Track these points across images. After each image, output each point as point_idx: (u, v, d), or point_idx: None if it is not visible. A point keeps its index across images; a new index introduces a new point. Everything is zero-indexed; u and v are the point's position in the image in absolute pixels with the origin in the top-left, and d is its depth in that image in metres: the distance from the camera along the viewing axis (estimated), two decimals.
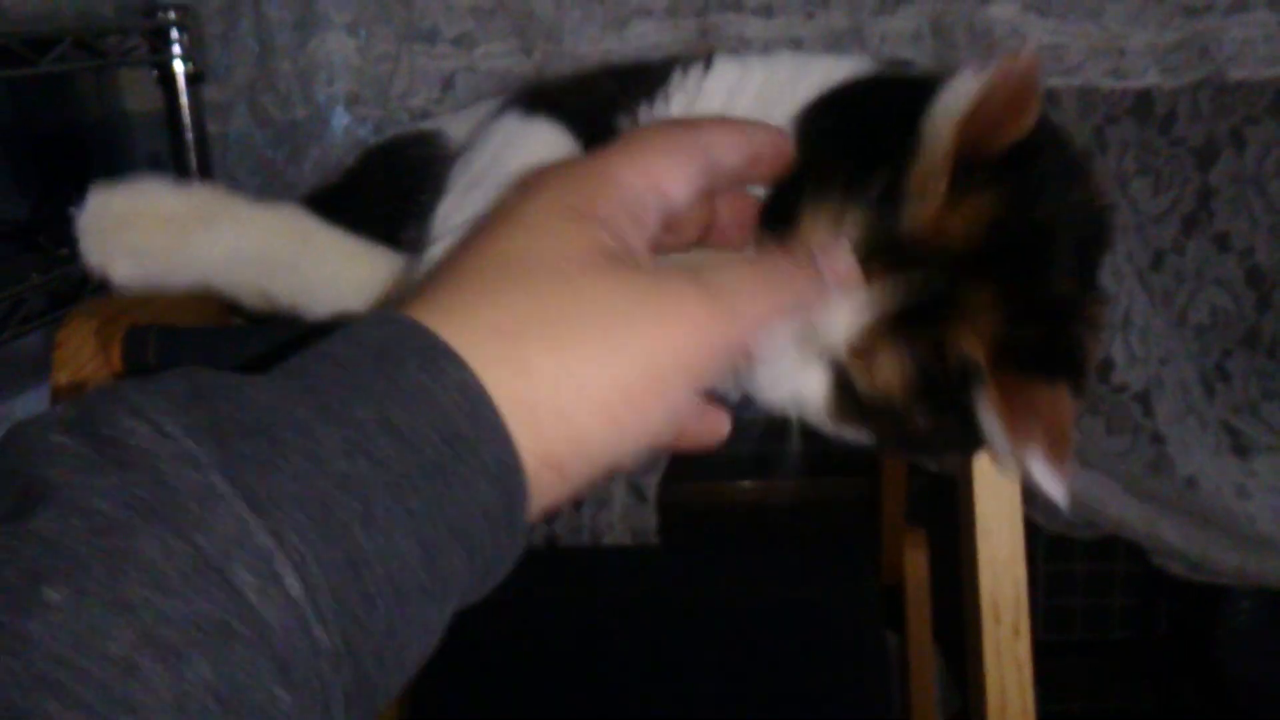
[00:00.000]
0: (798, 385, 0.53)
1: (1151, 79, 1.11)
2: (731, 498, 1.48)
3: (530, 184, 0.38)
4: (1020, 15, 1.08)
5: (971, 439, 0.51)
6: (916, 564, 1.23)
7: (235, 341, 0.70)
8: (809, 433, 0.55)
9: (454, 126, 0.87)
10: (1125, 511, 1.25)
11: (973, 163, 0.47)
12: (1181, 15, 1.10)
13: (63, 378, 0.67)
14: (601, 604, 1.26)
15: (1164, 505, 1.23)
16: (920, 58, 1.13)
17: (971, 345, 0.49)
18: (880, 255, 0.49)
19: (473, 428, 0.31)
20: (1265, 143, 1.18)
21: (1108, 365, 1.16)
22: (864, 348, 0.50)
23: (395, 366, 0.31)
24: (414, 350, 0.32)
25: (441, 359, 0.32)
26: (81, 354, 0.68)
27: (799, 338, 0.51)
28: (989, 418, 0.48)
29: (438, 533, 0.30)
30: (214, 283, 0.71)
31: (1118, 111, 1.20)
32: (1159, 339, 1.20)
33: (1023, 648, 0.61)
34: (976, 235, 0.49)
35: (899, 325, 0.49)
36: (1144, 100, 1.19)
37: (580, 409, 0.33)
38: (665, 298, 0.36)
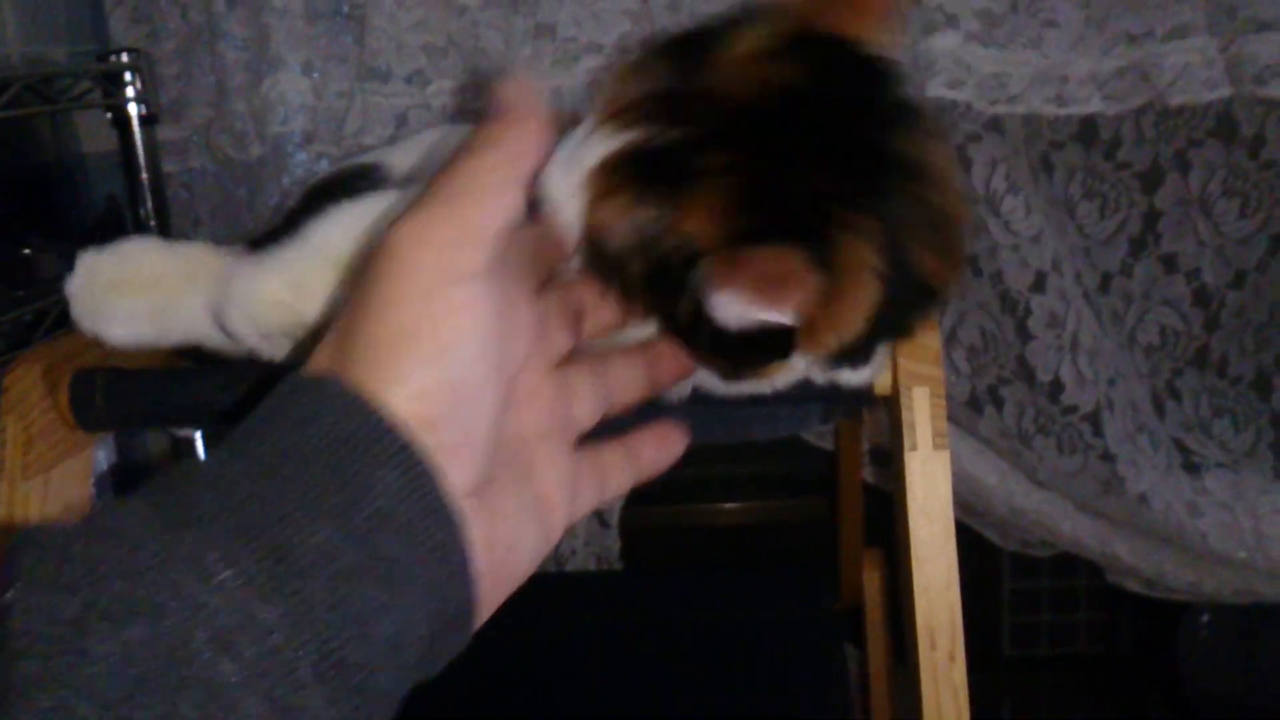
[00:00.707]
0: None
1: (1094, 106, 1.13)
2: (693, 520, 1.50)
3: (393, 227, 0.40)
4: (962, 45, 1.10)
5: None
6: (874, 583, 1.25)
7: (184, 384, 0.71)
8: (768, 455, 0.57)
9: (393, 157, 0.88)
10: (1079, 530, 1.26)
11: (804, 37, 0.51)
12: (1123, 42, 1.13)
13: (11, 421, 0.68)
14: (566, 629, 1.27)
15: (1117, 524, 1.25)
16: None
17: (696, 225, 0.48)
18: (660, 100, 0.50)
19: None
20: (1209, 165, 1.20)
21: (1057, 386, 1.18)
22: (602, 186, 0.50)
23: (364, 468, 0.35)
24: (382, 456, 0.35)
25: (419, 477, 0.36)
26: (30, 398, 0.69)
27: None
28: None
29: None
30: (205, 343, 0.70)
31: (1063, 137, 1.22)
32: (1108, 360, 1.22)
33: (958, 674, 0.62)
34: (756, 101, 0.49)
35: (640, 176, 0.49)
36: (1089, 126, 1.21)
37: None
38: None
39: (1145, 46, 1.12)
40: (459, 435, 0.37)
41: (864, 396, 0.67)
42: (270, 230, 0.90)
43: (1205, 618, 1.61)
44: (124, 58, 1.01)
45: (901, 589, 0.65)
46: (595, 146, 0.50)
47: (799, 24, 0.53)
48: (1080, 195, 1.24)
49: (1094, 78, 1.13)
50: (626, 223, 0.49)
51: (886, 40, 0.53)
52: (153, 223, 1.06)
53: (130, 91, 1.02)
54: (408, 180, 0.81)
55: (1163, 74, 1.11)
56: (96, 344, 0.75)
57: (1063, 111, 1.13)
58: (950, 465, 0.63)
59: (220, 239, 1.23)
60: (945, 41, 1.09)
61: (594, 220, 0.50)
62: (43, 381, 0.69)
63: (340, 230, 0.64)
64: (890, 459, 1.24)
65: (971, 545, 1.35)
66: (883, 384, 0.66)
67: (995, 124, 1.15)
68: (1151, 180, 1.23)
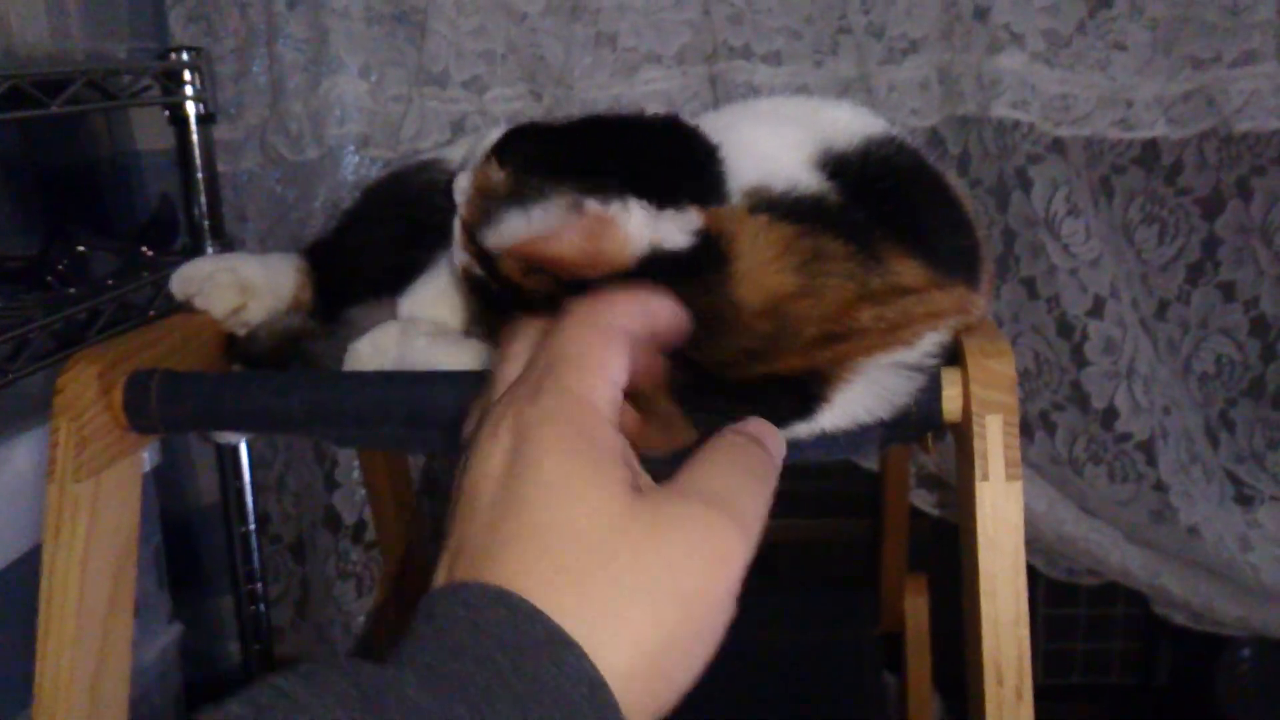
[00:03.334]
0: None
1: (1159, 130, 1.11)
2: None
3: (529, 435, 0.39)
4: (1028, 66, 1.08)
5: None
6: (917, 609, 1.23)
7: (238, 389, 0.70)
8: (811, 473, 0.57)
9: (454, 152, 0.87)
10: (1129, 561, 1.24)
11: None
12: (1189, 67, 1.11)
13: (63, 423, 0.68)
14: None
15: (1167, 554, 1.23)
16: (927, 108, 1.13)
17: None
18: None
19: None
20: (1271, 193, 1.18)
21: (1111, 414, 1.16)
22: None
23: (528, 661, 0.34)
24: (538, 642, 0.34)
25: (563, 650, 0.34)
26: (83, 399, 0.68)
27: None
28: None
29: None
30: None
31: (1124, 161, 1.20)
32: (1163, 388, 1.19)
33: (1025, 711, 0.61)
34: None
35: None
36: (1150, 150, 1.20)
37: (658, 674, 0.36)
38: (697, 534, 0.38)
39: (1212, 71, 1.10)
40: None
41: (932, 423, 0.66)
42: (333, 231, 0.90)
43: (1246, 652, 1.58)
44: (184, 56, 1.01)
45: (966, 622, 0.63)
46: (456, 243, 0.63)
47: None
48: (1139, 220, 1.22)
49: (1159, 101, 1.11)
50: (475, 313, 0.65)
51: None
52: (206, 222, 1.06)
53: (189, 90, 1.01)
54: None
55: (1229, 100, 1.09)
56: (151, 344, 0.74)
57: (1128, 135, 1.11)
58: (1022, 496, 0.61)
59: (266, 238, 1.24)
60: (1011, 61, 1.08)
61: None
62: (97, 382, 0.68)
63: None
64: (949, 485, 1.22)
65: None
66: (952, 410, 0.64)
67: (1058, 146, 1.13)
68: (1212, 206, 1.21)
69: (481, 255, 0.62)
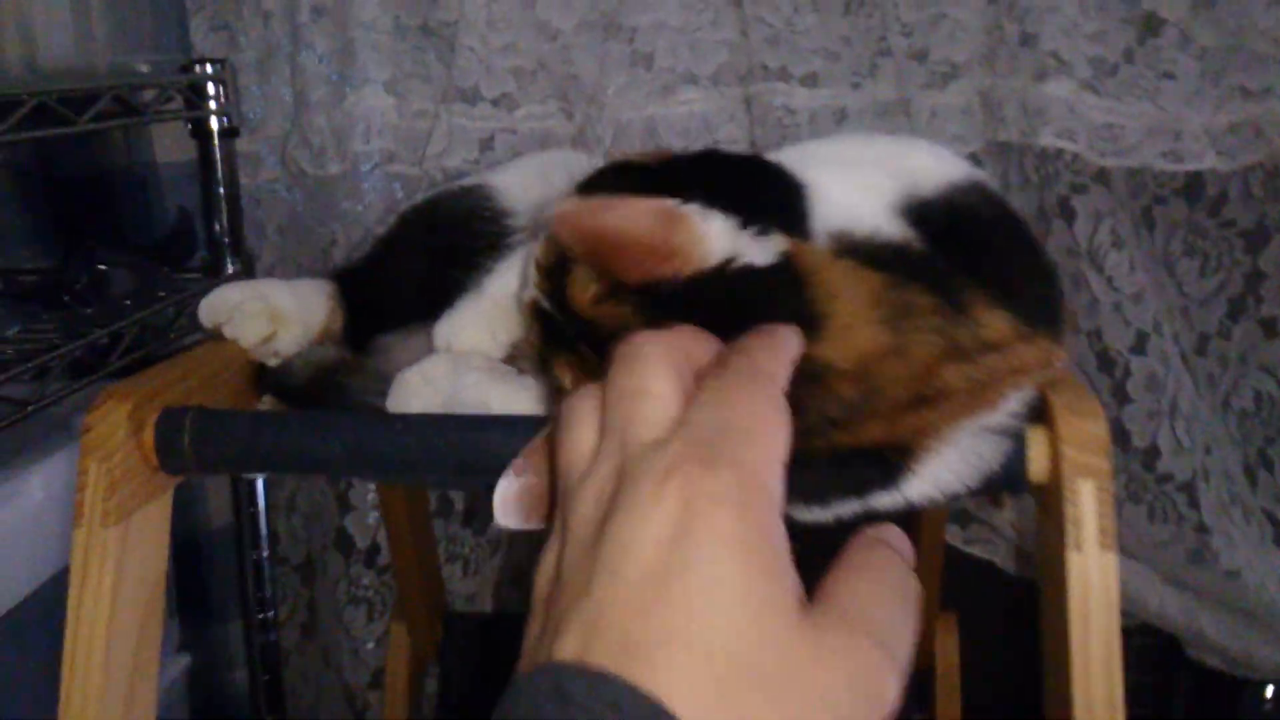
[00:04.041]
0: None
1: (1208, 162, 1.08)
2: None
3: (702, 512, 0.35)
4: (1076, 94, 1.05)
5: None
6: (948, 649, 1.20)
7: (276, 429, 0.66)
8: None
9: (499, 179, 0.84)
10: (1166, 604, 1.21)
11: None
12: (1238, 97, 1.08)
13: (92, 464, 0.64)
14: None
15: (1204, 597, 1.20)
16: (969, 133, 1.10)
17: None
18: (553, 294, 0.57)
19: None
20: None
21: (1153, 453, 1.13)
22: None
23: None
24: None
25: None
26: (113, 439, 0.64)
27: None
28: None
29: None
30: None
31: (1166, 192, 1.17)
32: (1204, 426, 1.17)
33: None
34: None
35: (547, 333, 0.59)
36: (1194, 181, 1.17)
37: None
38: (859, 670, 0.35)
39: (1263, 103, 1.08)
40: None
41: (1016, 487, 0.62)
42: (366, 257, 0.86)
43: (1270, 692, 1.55)
44: (209, 68, 0.97)
45: (1048, 700, 0.60)
46: (529, 279, 0.60)
47: (610, 277, 0.54)
48: (1181, 252, 1.19)
49: (1208, 132, 1.08)
50: (538, 353, 0.60)
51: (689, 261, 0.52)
52: (227, 239, 1.02)
53: (213, 104, 0.98)
54: (538, 210, 0.78)
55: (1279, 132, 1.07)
56: (181, 379, 0.71)
57: (1176, 167, 1.08)
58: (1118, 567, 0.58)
59: (289, 255, 1.20)
60: (1058, 89, 1.05)
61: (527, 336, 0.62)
62: (128, 422, 0.65)
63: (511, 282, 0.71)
64: (979, 519, 1.19)
65: (1019, 597, 1.29)
66: (1038, 472, 0.61)
67: (1102, 176, 1.10)
68: (1256, 240, 1.18)
69: (553, 289, 0.58)
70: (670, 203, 0.53)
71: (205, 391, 0.72)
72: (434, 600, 1.30)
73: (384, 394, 0.74)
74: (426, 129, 1.10)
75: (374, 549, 1.28)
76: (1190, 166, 1.08)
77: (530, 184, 0.82)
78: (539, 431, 0.62)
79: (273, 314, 0.79)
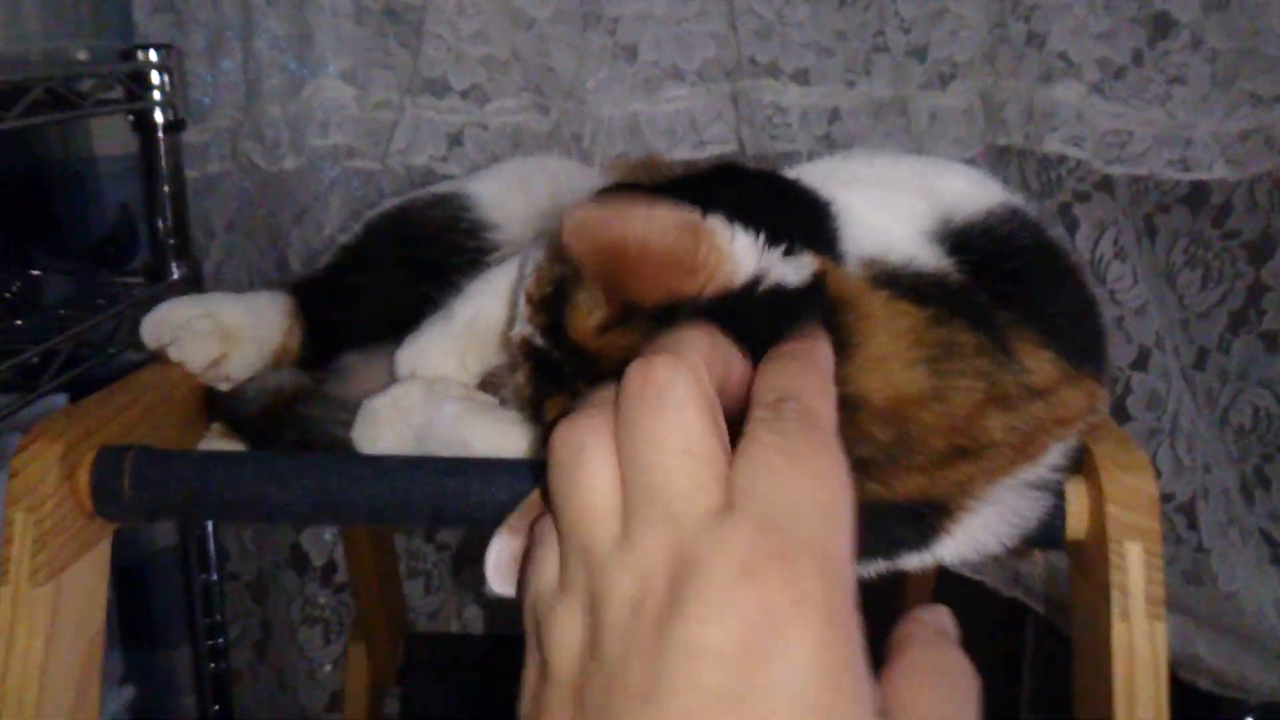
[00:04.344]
0: None
1: (1218, 172, 1.03)
2: None
3: (784, 622, 0.30)
4: (1084, 98, 0.99)
5: None
6: None
7: (230, 473, 0.59)
8: None
9: (478, 188, 0.77)
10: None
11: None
12: (1248, 104, 1.03)
13: (19, 515, 0.56)
14: None
15: (1200, 620, 1.15)
16: (970, 137, 1.04)
17: None
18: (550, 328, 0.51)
19: None
20: None
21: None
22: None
23: None
24: None
25: None
26: (43, 486, 0.57)
27: None
28: None
29: None
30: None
31: (1170, 200, 1.12)
32: (1204, 444, 1.12)
33: None
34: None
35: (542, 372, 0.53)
36: (1198, 189, 1.12)
37: None
38: None
39: (1275, 111, 1.03)
40: None
41: (1051, 544, 0.57)
42: (329, 268, 0.79)
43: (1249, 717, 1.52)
44: (152, 55, 0.88)
45: None
46: (520, 315, 0.54)
47: (624, 296, 0.47)
48: (1183, 263, 1.14)
49: (1217, 140, 1.03)
50: (530, 396, 0.54)
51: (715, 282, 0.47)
52: (172, 240, 0.94)
53: (157, 94, 0.89)
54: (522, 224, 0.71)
55: None
56: (120, 410, 0.63)
57: (1184, 176, 1.03)
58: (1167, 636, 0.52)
59: (238, 253, 1.12)
60: (1066, 93, 0.99)
61: (516, 378, 0.55)
62: (59, 465, 0.57)
63: (486, 304, 0.66)
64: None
65: (991, 600, 1.25)
66: (1076, 528, 0.56)
67: (1105, 183, 1.05)
68: (1260, 251, 1.14)
69: (550, 324, 0.52)
70: (695, 213, 0.46)
71: (148, 424, 0.65)
72: (395, 619, 1.23)
73: (349, 424, 0.67)
74: (390, 122, 1.02)
75: (330, 566, 1.20)
76: (1199, 176, 1.03)
77: (512, 193, 0.75)
78: (532, 479, 0.56)
79: (223, 333, 0.72)
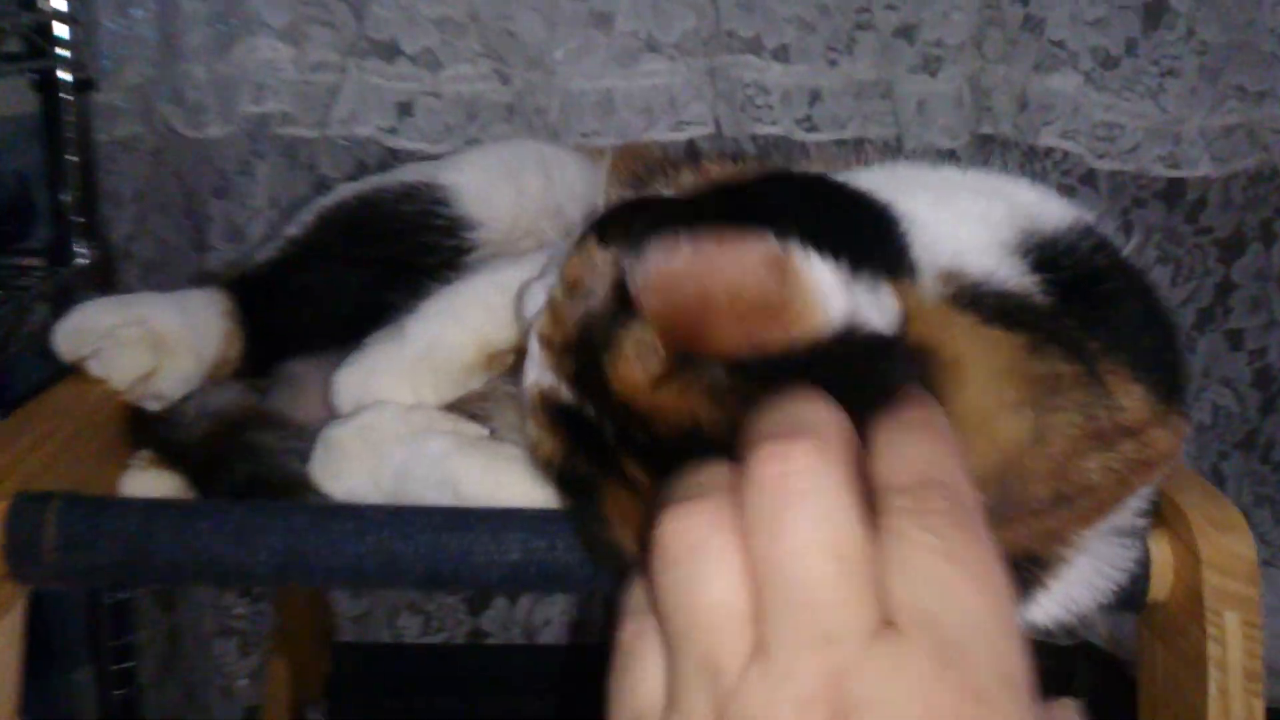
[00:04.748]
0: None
1: (1203, 169, 1.00)
2: None
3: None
4: (1080, 88, 0.94)
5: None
6: None
7: (176, 529, 0.49)
8: None
9: (454, 177, 0.67)
10: (1119, 627, 1.15)
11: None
12: (1236, 98, 0.99)
13: None
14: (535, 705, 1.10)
15: None
16: (958, 126, 0.98)
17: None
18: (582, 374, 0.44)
19: None
20: None
21: None
22: (537, 412, 0.46)
23: None
24: None
25: None
26: None
27: None
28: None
29: None
30: None
31: (1147, 194, 1.08)
32: None
33: None
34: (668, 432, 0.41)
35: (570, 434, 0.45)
36: (1176, 184, 1.08)
37: None
38: None
39: (1261, 106, 0.99)
40: None
41: (1134, 607, 0.51)
42: (275, 263, 0.69)
43: None
44: (56, 3, 0.76)
45: None
46: (533, 360, 0.47)
47: (678, 345, 0.40)
48: (1156, 259, 1.10)
49: (1203, 134, 1.00)
50: (551, 463, 0.46)
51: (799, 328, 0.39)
52: (78, 218, 0.82)
53: (62, 51, 0.77)
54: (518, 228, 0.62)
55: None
56: (36, 445, 0.53)
57: (1174, 173, 0.99)
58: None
59: (150, 228, 0.99)
60: (1064, 84, 0.93)
61: (531, 437, 0.47)
62: None
63: (448, 328, 0.58)
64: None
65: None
66: (1159, 588, 0.50)
67: (1090, 177, 1.01)
68: (1231, 248, 1.11)
69: (579, 373, 0.43)
70: (773, 241, 0.39)
71: (69, 460, 0.55)
72: (319, 629, 1.13)
73: (306, 454, 0.57)
74: (331, 87, 0.91)
75: None
76: (1185, 173, 1.00)
77: (497, 186, 0.66)
78: (549, 537, 0.48)
79: (155, 342, 0.61)
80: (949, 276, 0.44)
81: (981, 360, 0.42)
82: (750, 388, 0.38)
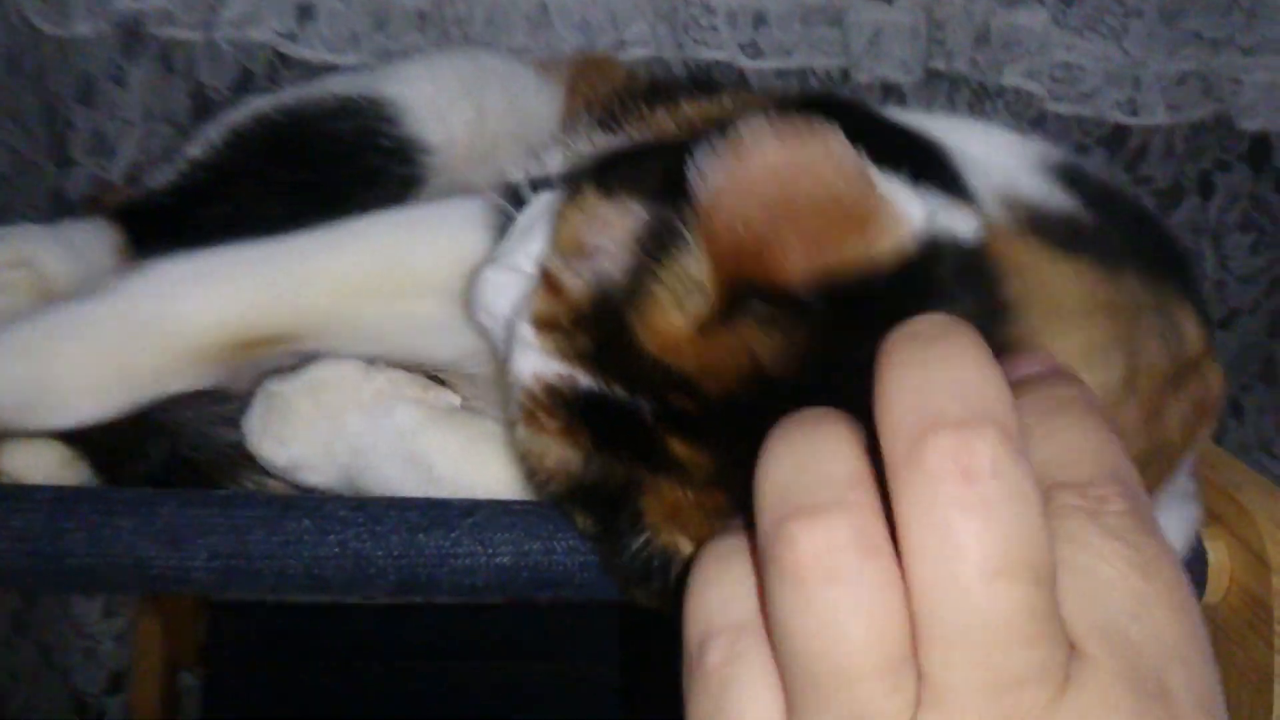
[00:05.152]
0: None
1: (1159, 117, 0.96)
2: None
3: None
4: (1046, 27, 0.89)
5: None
6: None
7: (89, 519, 0.40)
8: None
9: (400, 90, 0.58)
10: None
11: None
12: (1193, 43, 0.96)
13: None
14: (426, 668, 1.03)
15: None
16: (913, 61, 0.92)
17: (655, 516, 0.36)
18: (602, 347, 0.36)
19: None
20: (1233, 193, 1.07)
21: None
22: (539, 409, 0.38)
23: None
24: None
25: None
26: None
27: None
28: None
29: None
30: None
31: (1091, 141, 1.04)
32: None
33: None
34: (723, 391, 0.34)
35: (586, 423, 0.37)
36: (1119, 130, 1.05)
37: None
38: None
39: (1218, 54, 0.96)
40: None
41: None
42: (177, 189, 0.58)
43: None
44: None
45: None
46: (530, 349, 0.37)
47: (741, 270, 0.33)
48: None
49: (1159, 80, 0.96)
50: (567, 474, 0.38)
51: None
52: None
53: None
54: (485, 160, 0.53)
55: (1241, 92, 0.96)
56: None
57: (1131, 120, 0.95)
58: None
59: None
60: (1030, 20, 0.88)
61: (528, 447, 0.39)
62: None
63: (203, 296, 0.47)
64: None
65: None
66: (1213, 590, 0.46)
67: (1041, 119, 0.96)
68: (1170, 200, 1.08)
69: (601, 345, 0.36)
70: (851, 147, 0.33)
71: None
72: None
73: (234, 420, 0.48)
74: None
75: None
76: (1143, 120, 0.96)
77: (455, 104, 0.56)
78: (547, 535, 0.41)
79: (42, 287, 0.50)
80: (1009, 201, 0.38)
81: (1065, 292, 0.36)
82: (814, 321, 0.32)
